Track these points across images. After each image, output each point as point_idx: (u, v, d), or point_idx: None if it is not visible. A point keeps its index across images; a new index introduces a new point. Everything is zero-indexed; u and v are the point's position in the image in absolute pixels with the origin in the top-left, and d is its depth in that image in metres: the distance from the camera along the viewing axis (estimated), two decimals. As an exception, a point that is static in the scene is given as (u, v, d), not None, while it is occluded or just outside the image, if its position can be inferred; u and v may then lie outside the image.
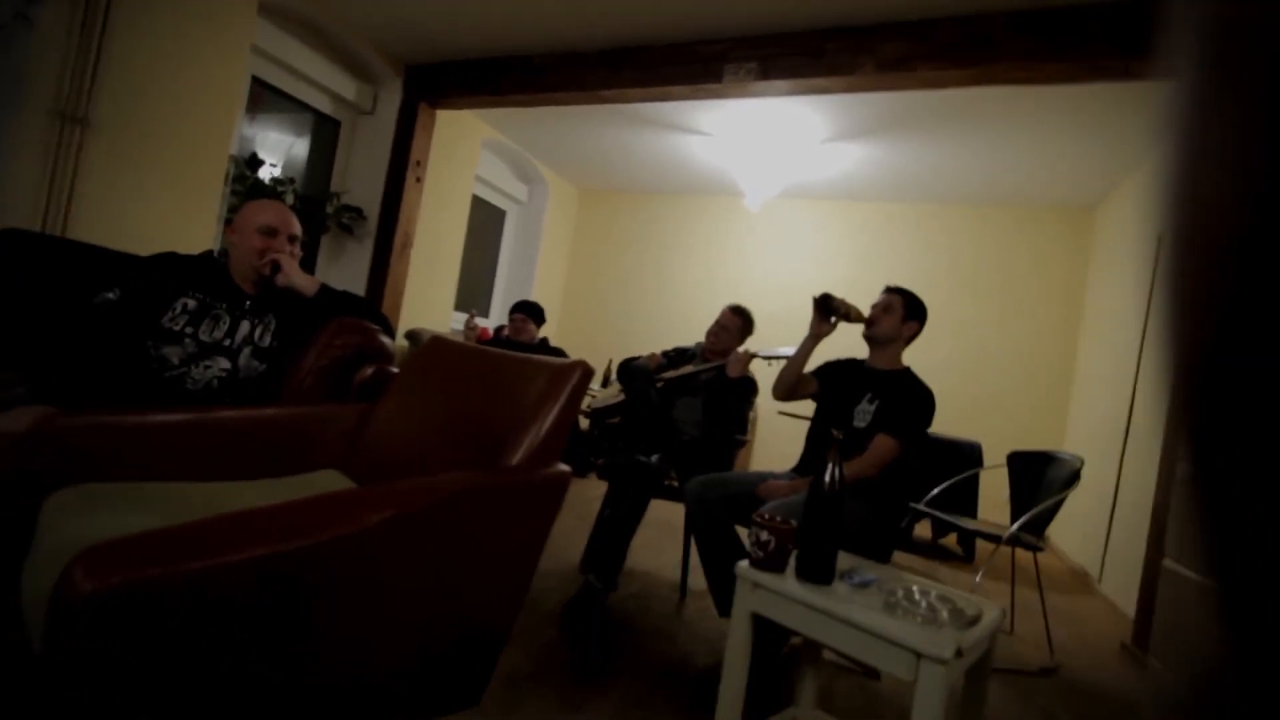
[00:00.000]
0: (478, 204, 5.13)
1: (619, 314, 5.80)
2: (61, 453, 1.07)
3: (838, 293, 4.91)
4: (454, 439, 1.29)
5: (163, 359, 1.68)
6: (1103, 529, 3.32)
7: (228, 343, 1.76)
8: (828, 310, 2.00)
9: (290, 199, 3.52)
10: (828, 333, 2.03)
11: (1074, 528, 3.70)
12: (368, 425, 1.50)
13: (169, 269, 1.79)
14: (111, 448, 1.14)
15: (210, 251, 1.97)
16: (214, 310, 1.77)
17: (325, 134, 3.95)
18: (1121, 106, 3.15)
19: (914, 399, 1.94)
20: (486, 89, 3.64)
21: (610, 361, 4.77)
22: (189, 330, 1.73)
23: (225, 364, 1.74)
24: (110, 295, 1.71)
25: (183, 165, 2.79)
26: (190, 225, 2.85)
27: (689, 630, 2.03)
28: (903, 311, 2.01)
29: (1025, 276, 4.60)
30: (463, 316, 5.07)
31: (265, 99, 3.52)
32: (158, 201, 2.72)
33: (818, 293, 2.03)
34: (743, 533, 1.98)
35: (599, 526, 2.30)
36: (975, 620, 1.14)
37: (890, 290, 2.06)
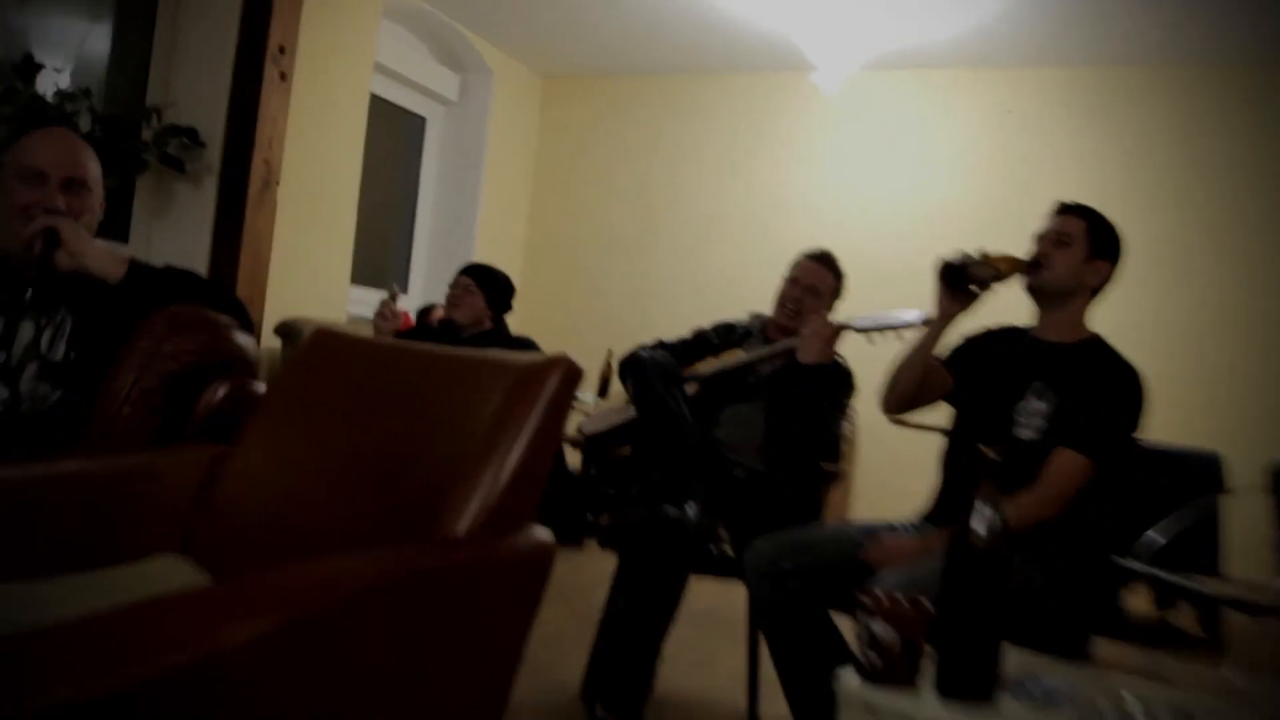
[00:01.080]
0: (381, 110, 5.16)
1: (617, 274, 5.81)
2: None
3: (973, 233, 4.87)
4: (362, 495, 1.30)
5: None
6: None
7: (2, 358, 1.78)
8: (962, 281, 1.98)
9: (85, 123, 3.54)
10: (962, 311, 2.02)
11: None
12: (222, 479, 1.51)
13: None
14: None
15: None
16: None
17: (135, 15, 3.97)
18: None
19: (1113, 386, 1.94)
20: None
21: (609, 354, 4.78)
22: (-60, 342, 1.75)
23: (1, 392, 1.76)
24: None
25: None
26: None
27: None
28: (1087, 244, 2.00)
29: (1274, 186, 4.54)
30: (368, 296, 5.08)
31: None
32: None
33: (950, 255, 1.98)
34: (844, 623, 1.97)
35: (607, 627, 2.31)
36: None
37: (1066, 211, 2.05)
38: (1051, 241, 2.01)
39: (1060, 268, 1.99)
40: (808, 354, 2.36)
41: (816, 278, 2.61)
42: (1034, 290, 2.04)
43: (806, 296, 2.59)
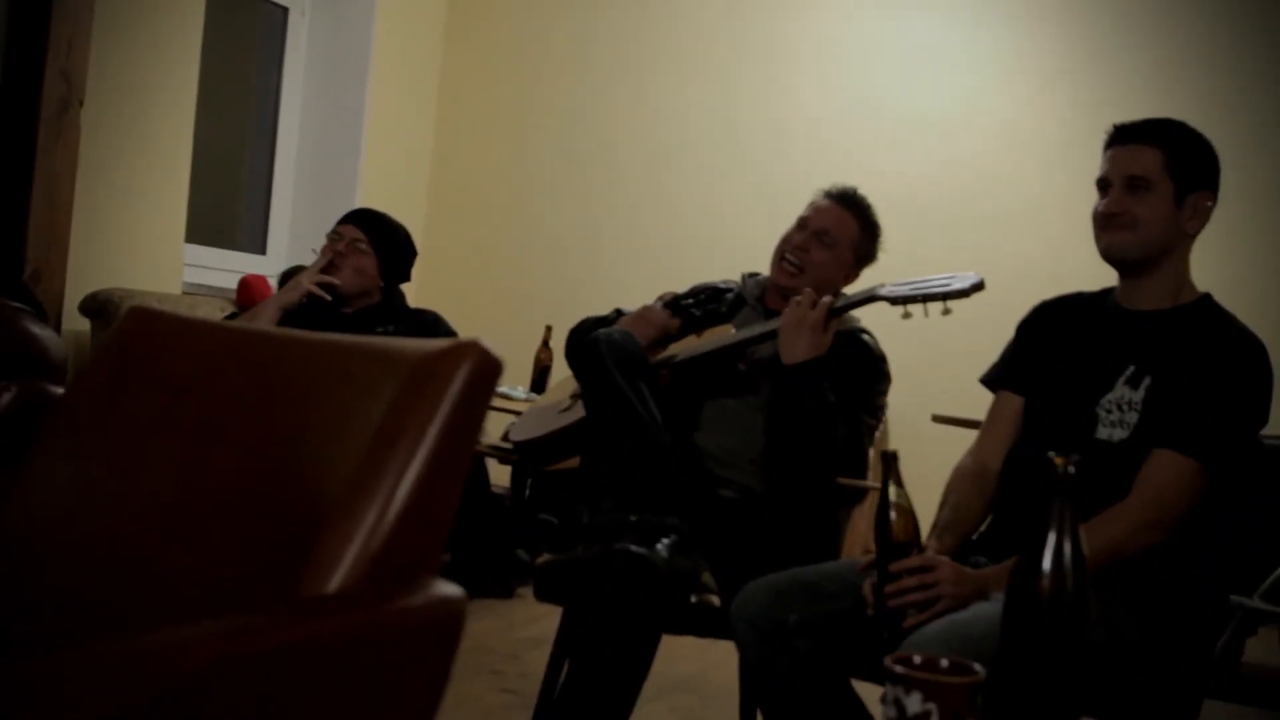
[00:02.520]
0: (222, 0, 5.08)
1: (559, 224, 5.78)
2: None
3: (1044, 162, 4.89)
4: (198, 539, 1.29)
5: None
6: None
7: None
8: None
9: None
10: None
11: None
12: (3, 517, 1.49)
13: None
14: None
15: None
16: None
17: None
18: None
19: (1228, 364, 1.95)
20: None
21: (548, 332, 4.75)
22: None
23: None
24: None
25: None
26: None
27: None
28: (1171, 182, 2.00)
29: None
30: (210, 259, 5.01)
31: None
32: None
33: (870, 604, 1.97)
34: (870, 694, 1.98)
35: (549, 706, 2.31)
36: None
37: (1130, 138, 2.04)
38: (1123, 190, 2.02)
39: (1143, 223, 2.00)
40: (791, 350, 2.39)
41: (832, 220, 2.62)
42: (1113, 261, 2.07)
43: (814, 245, 2.60)
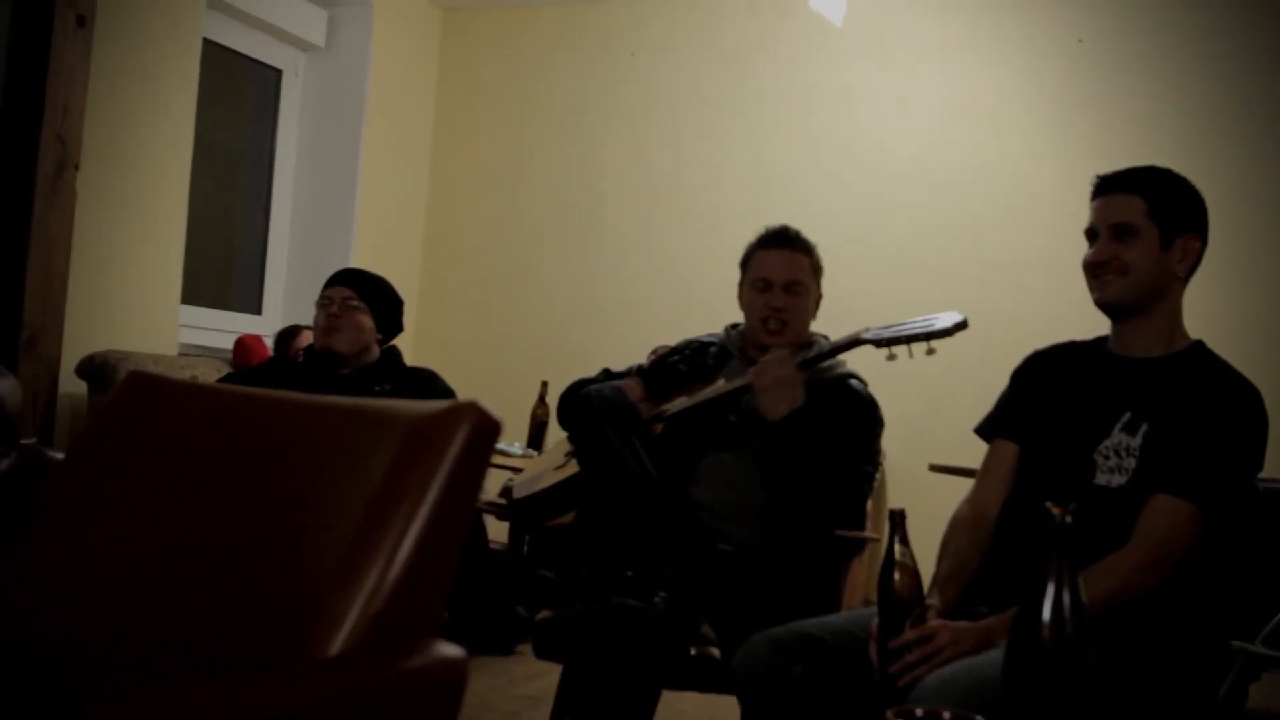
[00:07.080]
0: (219, 62, 5.14)
1: (553, 277, 5.80)
2: None
3: (1024, 205, 4.92)
4: (198, 604, 1.28)
5: None
6: None
7: None
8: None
9: None
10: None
11: None
12: (5, 575, 1.48)
13: None
14: None
15: None
16: None
17: None
18: None
19: (1223, 410, 1.96)
20: None
21: (544, 388, 4.76)
22: None
23: None
24: None
25: None
26: None
27: None
28: (1155, 227, 2.02)
29: None
30: (207, 320, 5.01)
31: None
32: None
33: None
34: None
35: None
36: None
37: (1113, 188, 2.07)
38: (1110, 238, 2.04)
39: (1132, 269, 2.02)
40: (774, 408, 2.43)
41: (793, 270, 2.65)
42: (1103, 305, 2.08)
43: (791, 302, 2.62)
